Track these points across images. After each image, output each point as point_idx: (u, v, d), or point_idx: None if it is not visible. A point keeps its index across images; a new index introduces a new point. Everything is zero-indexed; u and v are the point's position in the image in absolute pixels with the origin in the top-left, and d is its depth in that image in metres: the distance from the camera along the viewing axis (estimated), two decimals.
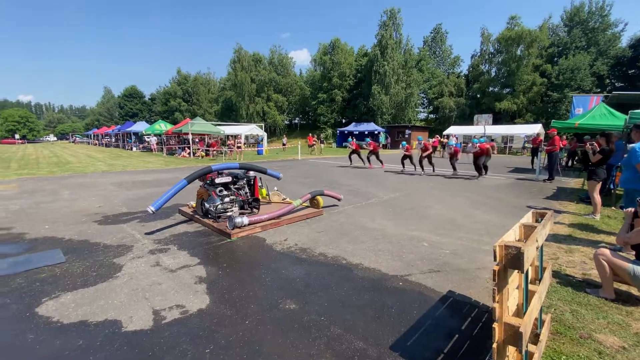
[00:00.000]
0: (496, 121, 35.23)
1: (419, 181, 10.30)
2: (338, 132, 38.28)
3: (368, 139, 15.28)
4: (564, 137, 16.37)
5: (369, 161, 15.00)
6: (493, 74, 41.13)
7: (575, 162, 16.36)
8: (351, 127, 36.88)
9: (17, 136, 65.10)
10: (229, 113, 50.48)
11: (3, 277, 3.28)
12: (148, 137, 27.84)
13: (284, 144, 31.41)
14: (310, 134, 25.39)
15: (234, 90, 47.92)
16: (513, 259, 1.44)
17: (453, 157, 12.07)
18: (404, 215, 5.89)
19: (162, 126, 25.68)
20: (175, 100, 58.03)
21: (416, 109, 44.98)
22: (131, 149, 29.69)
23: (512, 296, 1.71)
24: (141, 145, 29.37)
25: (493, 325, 1.48)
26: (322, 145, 27.33)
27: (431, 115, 49.13)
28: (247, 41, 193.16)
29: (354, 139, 16.31)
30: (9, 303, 2.78)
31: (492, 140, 18.92)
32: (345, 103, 44.84)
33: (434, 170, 12.54)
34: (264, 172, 6.10)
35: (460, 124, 36.27)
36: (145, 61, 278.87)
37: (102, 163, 16.37)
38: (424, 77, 44.84)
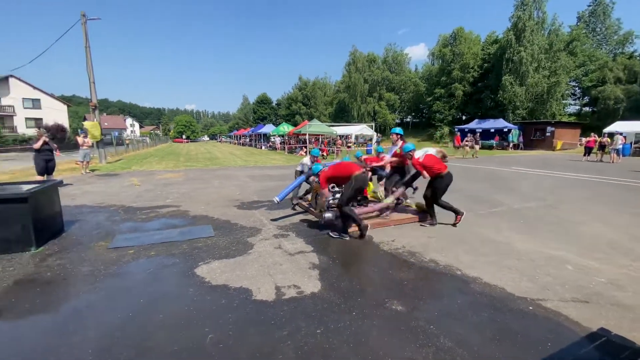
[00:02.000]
0: None
1: (568, 189, 8.41)
2: (456, 130, 34.74)
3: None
4: None
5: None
6: None
7: None
8: (473, 124, 32.77)
9: (184, 136, 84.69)
10: (341, 114, 52.60)
11: (175, 242, 4.36)
12: (273, 138, 31.88)
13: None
14: (458, 134, 20.39)
15: (347, 92, 49.58)
16: None
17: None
18: (542, 229, 4.94)
19: (285, 128, 28.89)
20: (296, 105, 64.22)
21: (563, 101, 36.43)
22: (261, 147, 34.57)
23: None
24: (268, 145, 33.80)
25: None
26: (476, 146, 19.90)
27: (586, 109, 39.00)
28: (363, 43, 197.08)
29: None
30: (178, 262, 3.69)
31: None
32: (467, 98, 40.28)
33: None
34: (371, 170, 6.14)
35: (631, 118, 27.51)
36: (275, 70, 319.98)
37: (239, 159, 19.64)
38: (576, 61, 35.90)
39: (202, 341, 2.25)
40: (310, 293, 2.94)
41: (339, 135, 26.94)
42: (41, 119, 40.22)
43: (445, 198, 5.08)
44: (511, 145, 28.74)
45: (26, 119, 40.53)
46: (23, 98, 40.45)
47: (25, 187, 4.41)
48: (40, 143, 8.30)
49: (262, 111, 78.16)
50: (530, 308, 2.69)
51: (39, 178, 8.11)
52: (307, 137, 23.29)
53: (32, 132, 35.34)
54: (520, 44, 32.87)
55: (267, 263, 3.62)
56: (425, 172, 4.88)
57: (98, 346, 2.21)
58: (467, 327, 2.41)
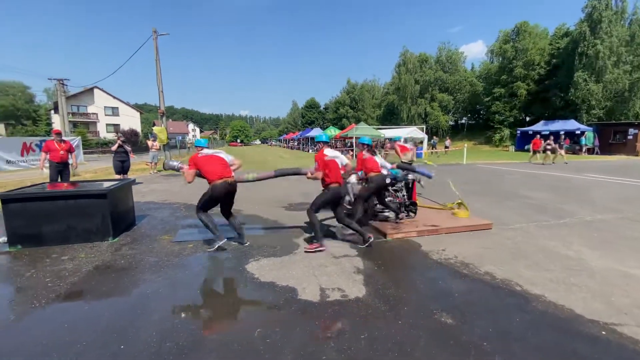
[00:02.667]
0: None
1: None
2: (519, 132, 31.81)
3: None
4: None
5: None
6: None
7: None
8: (539, 126, 29.58)
9: (238, 140, 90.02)
10: (390, 117, 51.39)
11: (229, 239, 4.63)
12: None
13: (446, 147, 29.08)
14: (537, 137, 18.00)
15: (396, 94, 48.29)
16: None
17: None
18: (621, 244, 4.32)
19: (332, 132, 29.20)
20: (343, 108, 64.39)
21: None
22: (308, 151, 35.36)
23: None
24: (315, 148, 34.41)
25: None
26: (561, 150, 17.34)
27: None
28: (414, 43, 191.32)
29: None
30: (230, 258, 3.93)
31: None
32: (531, 97, 36.70)
33: None
34: (412, 170, 5.89)
35: None
36: (323, 75, 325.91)
37: (287, 162, 20.26)
38: None
39: (251, 335, 2.37)
40: (354, 297, 2.93)
41: (387, 139, 26.39)
42: (118, 125, 45.85)
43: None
44: (584, 149, 25.51)
45: (106, 124, 46.55)
46: (105, 106, 46.52)
47: (105, 185, 5.06)
48: (116, 146, 9.46)
49: (310, 115, 79.69)
50: (603, 333, 2.37)
51: (117, 177, 9.22)
52: (353, 140, 23.24)
53: (110, 136, 40.46)
54: (596, 37, 29.14)
55: (312, 264, 3.69)
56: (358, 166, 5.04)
57: (160, 329, 2.44)
58: (526, 349, 2.20)
